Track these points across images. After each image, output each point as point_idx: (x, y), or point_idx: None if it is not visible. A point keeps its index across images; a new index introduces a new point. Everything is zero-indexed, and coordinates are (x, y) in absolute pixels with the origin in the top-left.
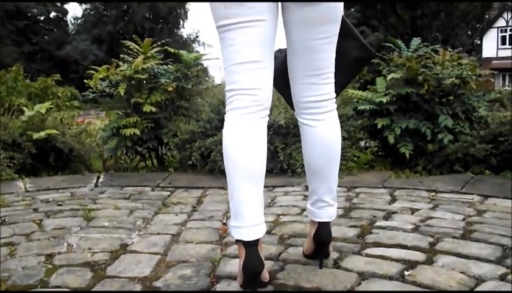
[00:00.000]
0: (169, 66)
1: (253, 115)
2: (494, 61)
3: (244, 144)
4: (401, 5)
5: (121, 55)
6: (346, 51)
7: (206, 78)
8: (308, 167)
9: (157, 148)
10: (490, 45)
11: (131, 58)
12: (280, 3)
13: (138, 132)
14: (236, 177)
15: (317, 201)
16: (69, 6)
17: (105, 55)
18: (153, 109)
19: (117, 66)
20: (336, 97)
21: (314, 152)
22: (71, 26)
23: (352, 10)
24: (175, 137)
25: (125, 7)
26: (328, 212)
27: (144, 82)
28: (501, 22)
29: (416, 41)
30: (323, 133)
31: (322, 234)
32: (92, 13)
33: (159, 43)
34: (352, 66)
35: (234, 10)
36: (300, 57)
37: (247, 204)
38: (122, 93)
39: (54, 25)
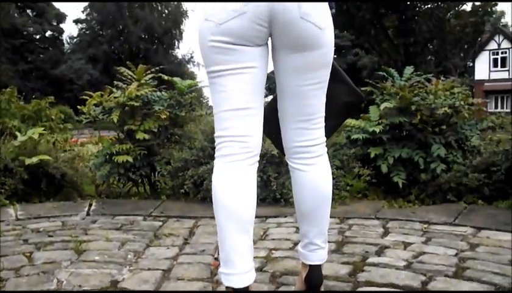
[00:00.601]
0: (163, 93)
1: (243, 162)
2: (486, 84)
3: (233, 192)
4: (394, 31)
5: (115, 82)
6: (336, 95)
7: (201, 100)
8: (298, 210)
9: (150, 174)
10: (482, 67)
11: (125, 85)
12: (270, 48)
13: (130, 159)
14: (227, 225)
15: (309, 244)
16: (65, 25)
17: (100, 74)
18: (146, 136)
19: (111, 92)
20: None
21: (305, 196)
22: (66, 45)
23: (346, 32)
24: (168, 165)
25: (121, 27)
26: (319, 255)
27: (138, 108)
28: (493, 45)
29: (408, 70)
30: (314, 177)
31: (314, 276)
32: (87, 32)
33: (153, 69)
34: (342, 111)
35: (226, 56)
36: (290, 102)
37: (238, 252)
38: (115, 120)
39: (50, 44)
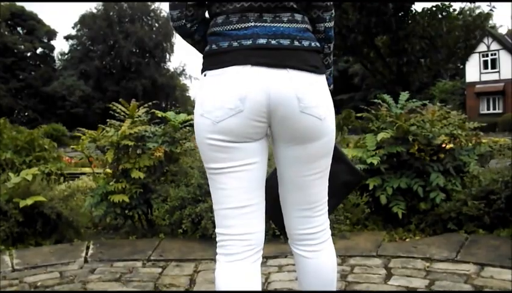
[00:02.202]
0: (157, 128)
1: (246, 260)
2: (477, 86)
3: (237, 289)
4: (387, 51)
5: (108, 120)
6: (336, 175)
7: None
8: (303, 290)
9: (147, 212)
10: (473, 70)
11: (118, 123)
12: (270, 140)
13: (126, 199)
14: None
15: None
16: (55, 42)
17: (92, 90)
18: (142, 176)
19: (103, 129)
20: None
21: (310, 282)
22: (57, 62)
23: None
24: (164, 202)
25: (112, 42)
26: None
27: (132, 147)
28: (482, 47)
29: (404, 96)
30: (318, 263)
31: None
32: (78, 48)
33: (146, 105)
34: (341, 190)
35: (225, 154)
36: (292, 192)
37: None
38: (110, 160)
39: (41, 61)
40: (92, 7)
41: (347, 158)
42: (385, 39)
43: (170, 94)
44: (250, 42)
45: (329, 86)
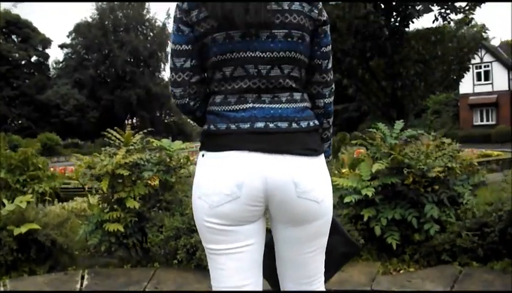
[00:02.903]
0: (152, 156)
1: None
2: (470, 97)
3: None
4: (382, 75)
5: (102, 148)
6: (333, 247)
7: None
8: None
9: (141, 240)
10: (466, 82)
11: (113, 150)
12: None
13: (121, 228)
14: None
15: None
16: (50, 50)
17: (86, 99)
18: (137, 205)
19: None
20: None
21: None
22: (52, 70)
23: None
24: (159, 231)
25: (106, 51)
26: None
27: (127, 176)
28: (475, 59)
29: (398, 125)
30: None
31: None
32: (73, 57)
33: (141, 133)
34: (338, 260)
35: (222, 237)
36: (290, 269)
37: None
38: (105, 189)
39: (35, 70)
40: (87, 15)
41: (343, 229)
42: (380, 62)
43: (164, 103)
44: (248, 126)
45: (327, 158)
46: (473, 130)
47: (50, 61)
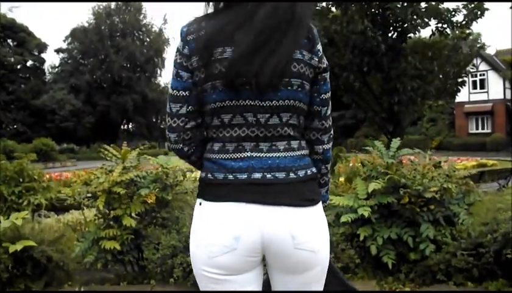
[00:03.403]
0: (148, 173)
1: None
2: (466, 105)
3: None
4: (379, 90)
5: (98, 166)
6: (329, 288)
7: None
8: None
9: (138, 257)
10: (462, 90)
11: (110, 167)
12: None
13: (118, 246)
14: None
15: None
16: (46, 55)
17: (82, 104)
18: (133, 224)
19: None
20: None
21: None
22: (48, 75)
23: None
24: (156, 248)
25: (103, 56)
26: None
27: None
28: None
29: (395, 143)
30: None
31: None
32: (69, 61)
33: (137, 149)
34: None
35: (220, 285)
36: None
37: None
38: (101, 207)
39: (31, 74)
40: (83, 20)
41: (339, 272)
42: (377, 77)
43: (160, 109)
44: (245, 176)
45: (324, 203)
46: (469, 138)
47: (46, 66)
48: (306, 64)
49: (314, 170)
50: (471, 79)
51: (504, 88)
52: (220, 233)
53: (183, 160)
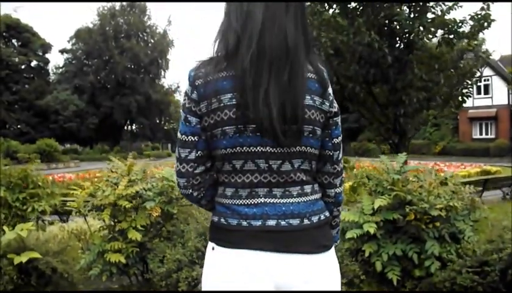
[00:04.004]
0: (154, 185)
1: None
2: (470, 111)
3: None
4: (384, 101)
5: (104, 178)
6: None
7: None
8: None
9: (143, 270)
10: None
11: (115, 180)
12: None
13: (123, 259)
14: None
15: None
16: (50, 55)
17: (85, 105)
18: (139, 237)
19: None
20: None
21: None
22: (52, 75)
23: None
24: (161, 262)
25: (107, 57)
26: None
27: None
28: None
29: (401, 158)
30: None
31: None
32: (73, 62)
33: (143, 162)
34: None
35: None
36: None
37: None
38: (106, 220)
39: (35, 74)
40: (88, 21)
41: None
42: (383, 89)
43: (164, 110)
44: (260, 223)
45: (335, 242)
46: (472, 144)
47: (50, 66)
48: (317, 109)
49: (327, 213)
50: (475, 84)
51: (509, 94)
52: (234, 280)
53: (194, 204)
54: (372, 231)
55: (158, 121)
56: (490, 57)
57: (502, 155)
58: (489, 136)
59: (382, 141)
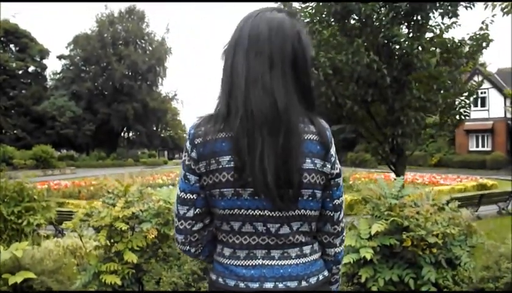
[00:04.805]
0: (150, 206)
1: None
2: (467, 123)
3: None
4: (383, 120)
5: (100, 200)
6: None
7: None
8: None
9: (138, 290)
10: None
11: (112, 201)
12: None
13: (118, 281)
14: None
15: None
16: (48, 61)
17: (82, 111)
18: (135, 260)
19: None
20: None
21: None
22: (49, 81)
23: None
24: (157, 283)
25: (105, 64)
26: None
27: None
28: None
29: (399, 182)
30: None
31: None
32: (71, 68)
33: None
34: None
35: None
36: None
37: None
38: (102, 242)
39: (32, 80)
40: (86, 27)
41: None
42: (381, 109)
43: (161, 117)
44: (257, 285)
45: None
46: (469, 156)
47: (48, 72)
48: (318, 172)
49: (326, 273)
50: (471, 90)
51: (505, 107)
52: None
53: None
54: (368, 256)
55: (155, 129)
56: (487, 68)
57: (498, 168)
58: (485, 148)
59: (380, 160)
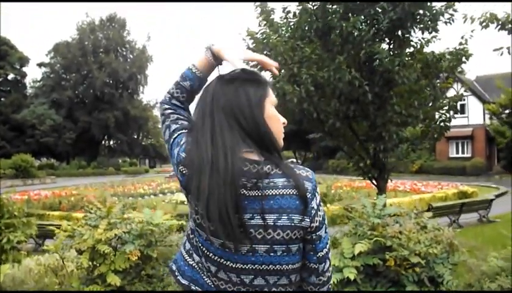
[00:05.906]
0: (133, 226)
1: None
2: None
3: None
4: (365, 136)
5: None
6: None
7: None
8: None
9: None
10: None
11: (94, 222)
12: None
13: None
14: None
15: None
16: (28, 69)
17: (63, 119)
18: (118, 282)
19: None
20: None
21: None
22: (29, 89)
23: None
24: None
25: (85, 72)
26: None
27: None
28: (451, 93)
29: (381, 200)
30: None
31: None
32: (51, 76)
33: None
34: None
35: None
36: None
37: None
38: (85, 264)
39: (12, 88)
40: (67, 35)
41: None
42: (363, 125)
43: (142, 126)
44: None
45: None
46: (449, 162)
47: (28, 80)
48: (294, 228)
49: None
50: (451, 104)
51: (484, 113)
52: None
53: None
54: (352, 277)
55: (136, 137)
56: (465, 75)
57: (478, 174)
58: (465, 155)
59: (362, 175)
